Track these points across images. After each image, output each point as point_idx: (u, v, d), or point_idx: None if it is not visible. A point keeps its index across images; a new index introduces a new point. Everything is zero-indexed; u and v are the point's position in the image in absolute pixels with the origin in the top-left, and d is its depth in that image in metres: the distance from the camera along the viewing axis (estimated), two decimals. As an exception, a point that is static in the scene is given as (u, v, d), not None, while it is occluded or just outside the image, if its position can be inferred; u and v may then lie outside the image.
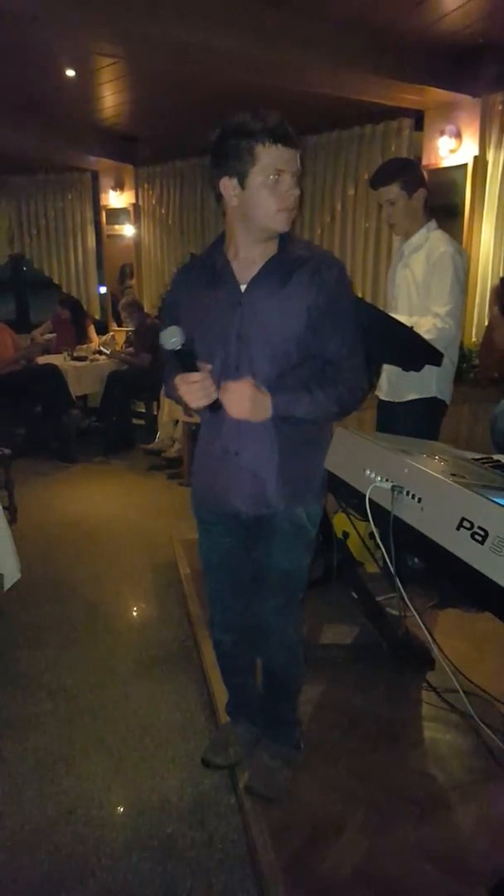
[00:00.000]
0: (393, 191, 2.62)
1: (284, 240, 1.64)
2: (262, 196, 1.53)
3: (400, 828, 1.85)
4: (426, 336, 2.42)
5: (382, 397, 2.89)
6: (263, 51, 3.50)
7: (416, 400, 2.74)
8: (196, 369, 1.57)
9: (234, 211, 1.59)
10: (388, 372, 2.81)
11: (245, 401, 1.56)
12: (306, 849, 1.80)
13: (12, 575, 2.51)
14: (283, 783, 1.97)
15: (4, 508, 2.57)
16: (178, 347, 1.52)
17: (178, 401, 1.69)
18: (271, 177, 1.51)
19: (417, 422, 2.68)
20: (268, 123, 1.49)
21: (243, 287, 1.64)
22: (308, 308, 1.61)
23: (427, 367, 2.47)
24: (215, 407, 1.61)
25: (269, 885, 1.70)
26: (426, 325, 2.52)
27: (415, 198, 2.63)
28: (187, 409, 1.71)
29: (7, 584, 2.52)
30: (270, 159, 1.50)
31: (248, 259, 1.64)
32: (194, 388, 1.57)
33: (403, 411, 2.76)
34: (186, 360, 1.56)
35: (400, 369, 2.64)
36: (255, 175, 1.51)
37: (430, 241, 2.66)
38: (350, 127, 4.85)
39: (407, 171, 2.66)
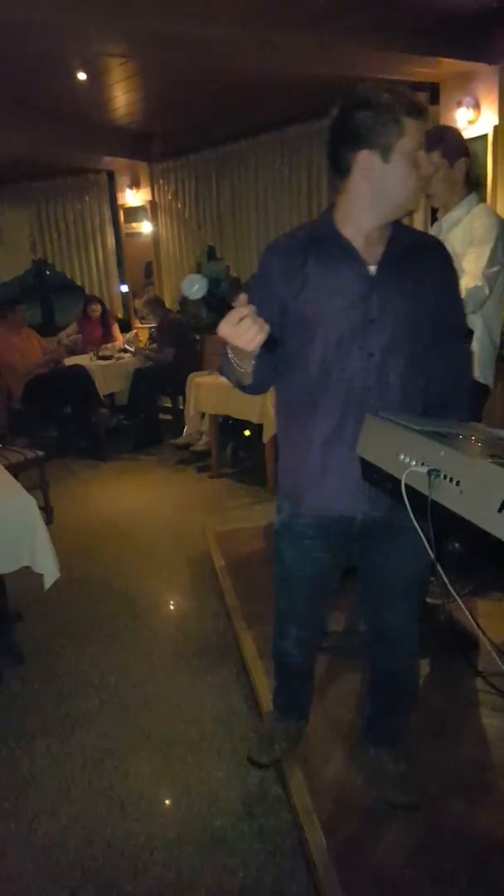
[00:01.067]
0: (433, 159, 2.47)
1: (398, 222, 1.58)
2: (406, 169, 1.46)
3: (452, 815, 1.83)
4: None
5: None
6: (269, 34, 3.44)
7: None
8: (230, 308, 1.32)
9: (365, 186, 1.48)
10: None
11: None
12: (358, 838, 1.79)
13: (52, 574, 2.53)
14: (415, 784, 1.92)
15: (41, 509, 2.59)
16: (203, 294, 1.31)
17: (234, 366, 1.49)
18: (414, 151, 1.45)
19: None
20: (412, 97, 1.44)
21: (372, 268, 1.53)
22: (434, 286, 1.56)
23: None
24: (272, 343, 1.37)
25: (322, 875, 1.69)
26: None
27: (456, 167, 2.49)
28: (238, 377, 1.52)
29: (47, 584, 2.54)
30: (416, 132, 1.44)
31: (371, 239, 1.53)
32: (244, 326, 1.28)
33: None
34: (217, 306, 1.36)
35: None
36: (400, 148, 1.44)
37: (471, 215, 2.52)
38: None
39: (448, 139, 2.51)
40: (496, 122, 4.00)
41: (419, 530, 1.39)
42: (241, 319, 1.29)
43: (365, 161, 1.46)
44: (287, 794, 1.99)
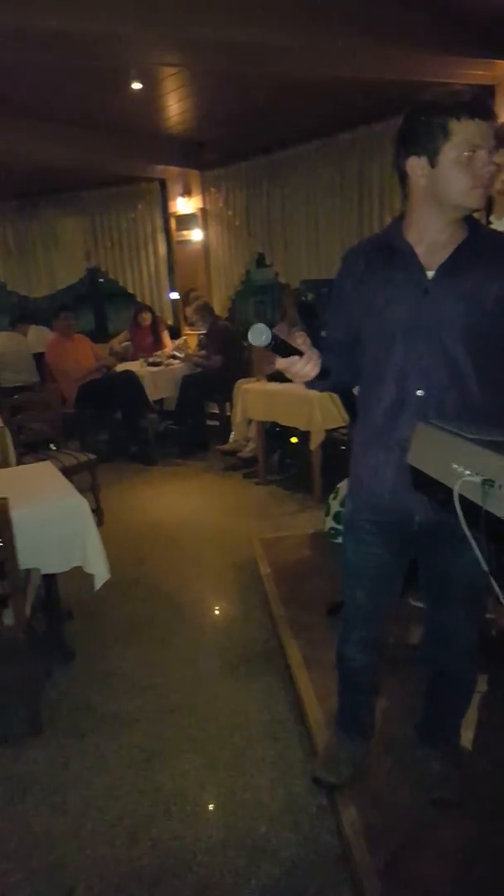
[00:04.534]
0: (498, 158, 2.43)
1: (475, 224, 1.55)
2: (454, 173, 1.44)
3: (498, 836, 1.79)
4: None
5: None
6: (320, 39, 3.46)
7: None
8: (295, 353, 1.47)
9: (421, 192, 1.50)
10: None
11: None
12: (402, 854, 1.76)
13: (102, 575, 2.59)
14: (458, 786, 1.91)
15: (92, 511, 2.65)
16: (269, 343, 1.43)
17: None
18: (465, 153, 1.42)
19: None
20: (462, 97, 1.42)
21: (430, 273, 1.53)
22: (500, 296, 1.50)
23: None
24: (323, 373, 1.53)
25: (366, 888, 1.68)
26: None
27: None
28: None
29: (97, 585, 2.60)
30: (466, 134, 1.41)
31: (435, 244, 1.53)
32: (298, 364, 1.48)
33: None
34: (282, 352, 1.48)
35: None
36: (447, 152, 1.43)
37: None
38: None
39: None
40: (554, 125, 3.92)
41: (472, 541, 1.37)
42: (298, 367, 1.46)
43: (414, 167, 1.49)
44: (332, 804, 1.98)
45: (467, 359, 1.53)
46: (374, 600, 1.84)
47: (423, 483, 1.70)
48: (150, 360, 6.17)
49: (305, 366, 1.48)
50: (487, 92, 4.28)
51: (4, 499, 2.19)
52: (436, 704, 1.96)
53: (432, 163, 1.46)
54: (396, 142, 1.51)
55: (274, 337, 1.43)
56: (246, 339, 1.59)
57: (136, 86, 4.39)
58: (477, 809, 1.87)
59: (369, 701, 2.04)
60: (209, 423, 6.26)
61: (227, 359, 5.88)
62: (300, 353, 1.48)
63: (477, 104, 1.42)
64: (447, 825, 1.82)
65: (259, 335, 1.42)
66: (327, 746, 2.11)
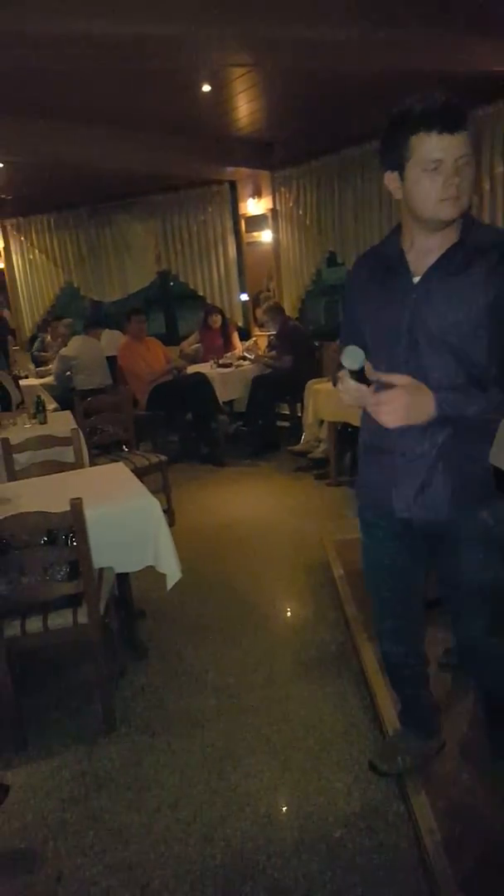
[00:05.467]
0: None
1: (467, 227, 1.53)
2: (421, 188, 1.45)
3: None
4: None
5: None
6: (384, 32, 3.38)
7: None
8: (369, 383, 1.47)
9: (402, 203, 1.55)
10: None
11: (400, 409, 1.44)
12: (482, 865, 1.69)
13: (174, 575, 2.61)
14: None
15: (164, 511, 2.68)
16: (357, 367, 1.41)
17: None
18: (429, 168, 1.43)
19: None
20: (424, 111, 1.40)
21: (416, 279, 1.56)
22: (493, 296, 1.47)
23: None
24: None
25: (447, 899, 1.62)
26: None
27: None
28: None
29: (169, 584, 2.62)
30: (426, 150, 1.41)
31: (424, 249, 1.55)
32: (354, 397, 1.47)
33: None
34: (362, 380, 1.46)
35: None
36: (411, 167, 1.45)
37: None
38: (492, 102, 4.56)
39: None
40: None
41: None
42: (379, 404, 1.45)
43: (390, 181, 1.53)
44: (409, 811, 1.92)
45: (453, 362, 1.53)
46: (397, 593, 1.87)
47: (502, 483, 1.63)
48: (221, 361, 6.21)
49: (358, 399, 1.47)
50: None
51: (79, 499, 2.24)
52: (490, 718, 1.91)
53: (402, 177, 1.49)
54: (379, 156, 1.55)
55: (362, 365, 1.42)
56: (318, 338, 1.58)
57: (206, 88, 4.43)
58: None
59: (421, 697, 2.04)
60: (280, 424, 6.25)
61: (298, 359, 5.85)
62: (368, 383, 1.47)
63: (437, 117, 1.39)
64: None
65: (355, 359, 1.40)
66: (389, 737, 2.18)
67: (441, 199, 1.44)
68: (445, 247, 1.53)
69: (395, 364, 1.54)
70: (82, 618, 2.35)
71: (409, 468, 1.63)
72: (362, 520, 1.85)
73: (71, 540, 2.36)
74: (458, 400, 1.47)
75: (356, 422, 4.56)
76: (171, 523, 3.82)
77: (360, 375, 1.44)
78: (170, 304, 7.97)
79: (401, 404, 1.43)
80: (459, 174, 1.42)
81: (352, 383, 1.44)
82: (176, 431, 6.30)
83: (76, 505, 2.22)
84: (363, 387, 1.44)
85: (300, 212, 6.35)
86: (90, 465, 3.78)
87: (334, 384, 1.64)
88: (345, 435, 5.02)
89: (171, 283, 7.77)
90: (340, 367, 1.46)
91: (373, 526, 1.82)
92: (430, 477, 1.61)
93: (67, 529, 2.34)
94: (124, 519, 2.61)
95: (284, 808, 2.05)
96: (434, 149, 1.41)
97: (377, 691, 2.40)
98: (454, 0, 3.33)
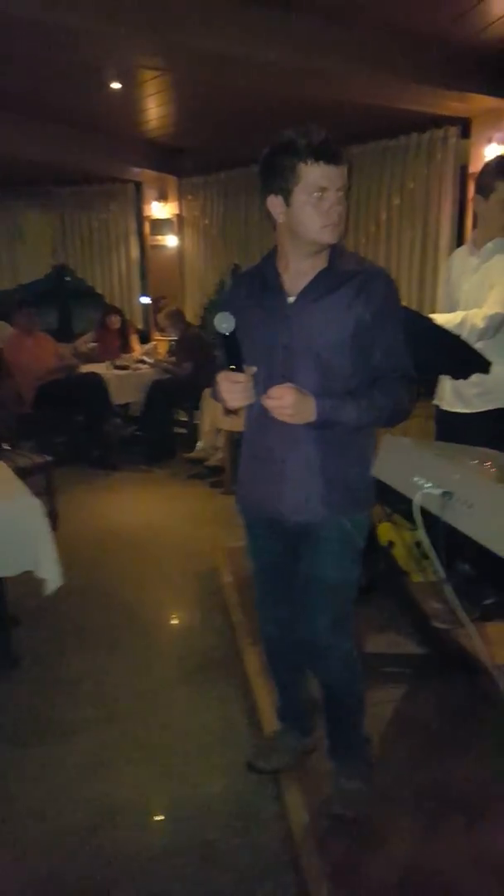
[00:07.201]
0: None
1: (335, 254, 1.68)
2: (306, 213, 1.57)
3: (449, 835, 1.81)
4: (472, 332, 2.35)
5: (445, 408, 2.70)
6: (305, 61, 3.51)
7: (490, 410, 2.54)
8: (241, 361, 1.58)
9: (282, 227, 1.64)
10: (454, 380, 2.60)
11: (288, 406, 1.56)
12: (351, 856, 1.77)
13: (54, 580, 2.51)
14: (364, 802, 1.92)
15: (47, 515, 2.59)
16: (229, 333, 1.53)
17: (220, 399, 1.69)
18: (314, 194, 1.55)
19: (491, 433, 2.36)
20: (312, 142, 1.53)
21: (291, 299, 1.68)
22: (355, 320, 1.63)
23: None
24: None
25: (314, 892, 1.67)
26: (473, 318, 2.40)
27: (491, 201, 2.48)
28: (226, 410, 1.71)
29: (48, 590, 2.52)
30: (313, 177, 1.54)
31: (298, 272, 1.67)
32: (237, 388, 1.58)
33: (476, 422, 2.55)
34: (233, 349, 1.57)
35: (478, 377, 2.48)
36: (298, 193, 1.56)
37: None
38: (395, 136, 4.81)
39: (480, 175, 2.55)
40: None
41: (430, 551, 1.39)
42: (237, 382, 1.56)
43: (273, 205, 1.62)
44: (283, 810, 1.97)
45: (323, 375, 1.66)
46: (277, 585, 1.94)
47: (386, 494, 1.73)
48: (118, 363, 6.11)
49: (241, 394, 1.58)
50: (462, 122, 4.40)
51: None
52: (330, 719, 1.99)
53: (287, 202, 1.59)
54: (259, 179, 1.64)
55: (235, 332, 1.54)
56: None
57: (116, 85, 4.36)
58: (431, 810, 1.88)
59: (295, 682, 2.11)
60: (176, 430, 6.22)
61: (198, 367, 5.86)
62: (240, 366, 1.57)
63: (323, 149, 1.53)
64: (399, 828, 1.83)
65: (224, 322, 1.53)
66: (267, 736, 2.24)
67: (324, 225, 1.58)
68: (318, 269, 1.66)
69: (272, 376, 1.64)
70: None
71: (292, 474, 1.72)
72: (244, 521, 1.94)
73: None
74: (335, 406, 1.61)
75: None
76: (54, 527, 3.70)
77: (230, 343, 1.55)
78: (65, 300, 7.75)
79: (290, 400, 1.55)
80: (340, 203, 1.57)
81: (223, 374, 1.56)
82: (64, 433, 6.09)
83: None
84: (238, 375, 1.56)
85: (206, 221, 6.38)
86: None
87: (214, 397, 1.71)
88: (241, 444, 5.08)
89: (68, 279, 7.55)
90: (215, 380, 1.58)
91: (253, 527, 1.92)
92: (311, 483, 1.71)
93: None
94: (2, 520, 2.49)
95: (160, 814, 2.05)
96: (321, 177, 1.54)
97: (258, 694, 2.45)
98: (376, 41, 3.50)
